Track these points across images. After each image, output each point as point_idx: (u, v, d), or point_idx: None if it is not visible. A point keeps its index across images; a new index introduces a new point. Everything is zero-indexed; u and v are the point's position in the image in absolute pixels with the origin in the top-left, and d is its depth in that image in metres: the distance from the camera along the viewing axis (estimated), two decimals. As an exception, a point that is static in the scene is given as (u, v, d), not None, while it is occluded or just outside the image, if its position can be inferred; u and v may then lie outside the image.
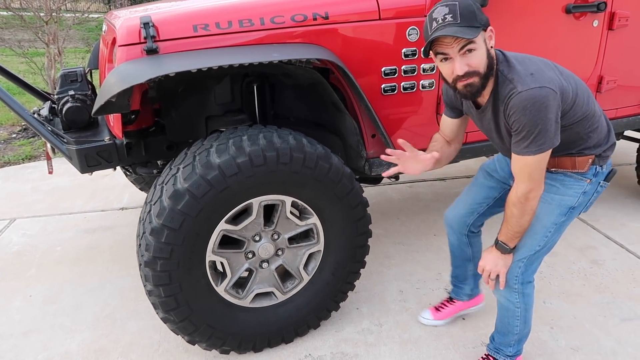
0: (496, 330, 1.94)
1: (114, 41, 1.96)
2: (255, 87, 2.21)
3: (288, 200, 1.91)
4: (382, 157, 1.79)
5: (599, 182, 1.66)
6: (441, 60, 1.52)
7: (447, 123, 1.87)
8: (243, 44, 1.91)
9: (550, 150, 1.51)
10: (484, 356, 1.97)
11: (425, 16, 1.57)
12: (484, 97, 1.59)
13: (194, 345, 1.98)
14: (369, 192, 3.61)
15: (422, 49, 1.52)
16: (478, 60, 1.47)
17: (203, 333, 1.92)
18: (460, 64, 1.47)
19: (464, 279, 2.19)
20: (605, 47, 2.67)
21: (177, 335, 1.95)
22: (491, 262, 1.71)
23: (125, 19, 1.89)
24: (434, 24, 1.45)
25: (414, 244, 2.95)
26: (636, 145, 3.39)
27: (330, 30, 2.01)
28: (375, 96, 2.15)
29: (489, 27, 1.49)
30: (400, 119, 2.26)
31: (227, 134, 1.85)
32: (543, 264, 2.73)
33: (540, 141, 1.47)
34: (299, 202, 1.93)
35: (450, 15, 1.42)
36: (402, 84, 2.17)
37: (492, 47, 1.51)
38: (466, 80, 1.49)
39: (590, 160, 1.62)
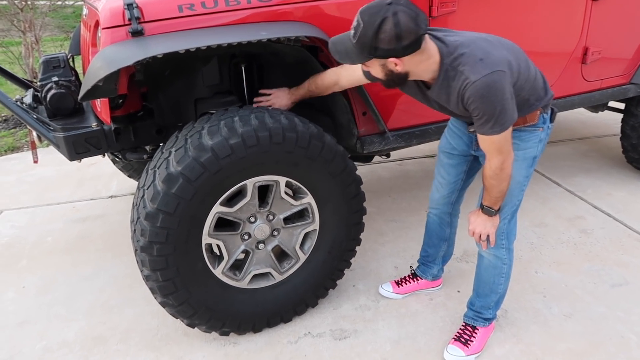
0: (476, 294, 2.01)
1: (96, 24, 1.92)
2: (243, 67, 2.18)
3: (282, 180, 1.90)
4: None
5: (547, 126, 1.76)
6: None
7: (357, 78, 1.85)
8: (230, 23, 1.87)
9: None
10: (462, 326, 2.03)
11: None
12: (429, 82, 1.63)
13: (193, 328, 1.98)
14: (360, 170, 3.60)
15: None
16: (374, 73, 1.58)
17: (202, 316, 1.93)
18: (362, 66, 1.61)
19: (434, 259, 2.28)
20: (590, 18, 2.68)
21: (176, 319, 1.95)
22: (480, 224, 1.79)
23: (107, 1, 1.84)
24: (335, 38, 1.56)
25: (406, 221, 2.98)
26: (620, 115, 3.43)
27: (318, 7, 1.98)
28: (365, 73, 2.14)
29: (390, 59, 1.47)
30: (390, 95, 2.25)
31: (218, 116, 1.83)
32: (533, 234, 2.81)
33: (502, 120, 1.52)
34: (293, 181, 1.93)
35: (353, 31, 1.46)
36: (391, 60, 2.16)
37: (397, 69, 1.51)
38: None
39: (538, 113, 1.70)
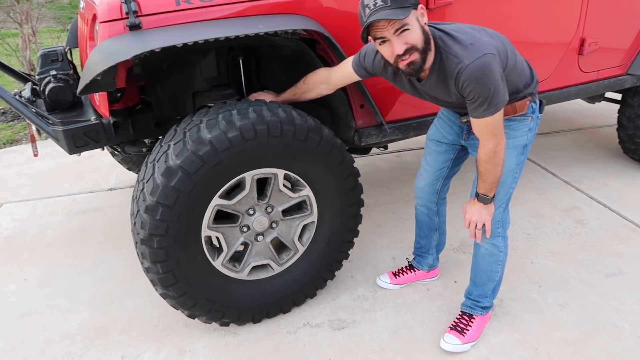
0: (473, 284, 2.05)
1: (94, 18, 1.92)
2: (241, 60, 2.19)
3: (280, 173, 1.92)
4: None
5: (537, 116, 1.81)
6: (380, 44, 1.57)
7: (346, 75, 1.91)
8: (227, 16, 1.88)
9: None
10: (459, 315, 2.07)
11: None
12: (425, 72, 1.66)
13: (193, 319, 2.01)
14: (357, 162, 3.61)
15: (360, 35, 1.57)
16: (414, 36, 1.53)
17: (202, 307, 1.95)
18: (398, 43, 1.53)
19: (428, 249, 2.32)
20: (587, 9, 2.69)
21: (177, 310, 1.98)
22: (476, 213, 1.83)
23: (105, -5, 1.84)
24: (367, 10, 1.50)
25: (404, 212, 3.00)
26: (617, 106, 3.44)
27: (315, 0, 1.99)
28: (363, 66, 2.15)
29: (420, 5, 1.54)
30: (388, 87, 2.25)
31: (216, 109, 1.84)
32: (529, 225, 2.83)
33: (495, 101, 1.58)
34: (291, 174, 1.95)
35: (381, 0, 1.47)
36: (388, 53, 2.17)
37: (425, 23, 1.57)
38: (407, 58, 1.56)
39: (528, 102, 1.75)
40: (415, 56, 1.55)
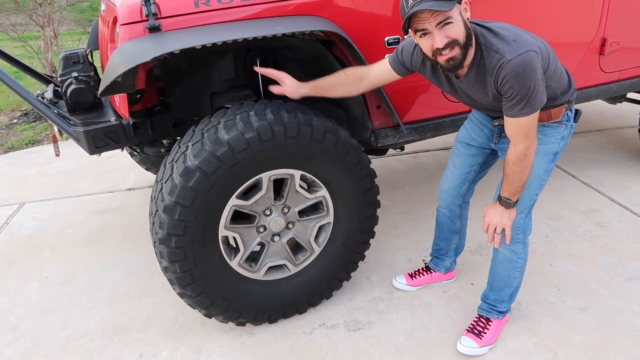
0: (490, 288, 2.02)
1: (114, 20, 1.95)
2: (258, 61, 2.20)
3: (297, 173, 1.93)
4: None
5: (571, 125, 1.79)
6: (420, 36, 1.55)
7: (385, 72, 1.88)
8: (245, 18, 1.90)
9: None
10: (476, 318, 2.05)
11: None
12: (464, 69, 1.64)
13: (210, 318, 2.03)
14: (374, 163, 3.61)
15: (402, 27, 1.55)
16: (456, 30, 1.51)
17: (219, 306, 1.97)
18: (439, 36, 1.50)
19: (446, 252, 2.30)
20: (608, 7, 2.64)
21: (194, 309, 1.99)
22: (497, 216, 1.79)
23: (125, -2, 1.87)
24: (410, 1, 1.48)
25: (420, 214, 2.99)
26: (638, 107, 3.38)
27: (332, 2, 1.99)
28: (380, 67, 2.14)
29: (464, 0, 1.52)
30: (405, 89, 2.26)
31: (234, 110, 1.86)
32: (548, 227, 2.79)
33: (533, 101, 1.55)
34: (308, 175, 1.95)
35: None
36: (405, 54, 2.16)
37: (468, 18, 1.55)
38: (448, 53, 1.53)
39: (564, 110, 1.73)
40: (456, 51, 1.53)
